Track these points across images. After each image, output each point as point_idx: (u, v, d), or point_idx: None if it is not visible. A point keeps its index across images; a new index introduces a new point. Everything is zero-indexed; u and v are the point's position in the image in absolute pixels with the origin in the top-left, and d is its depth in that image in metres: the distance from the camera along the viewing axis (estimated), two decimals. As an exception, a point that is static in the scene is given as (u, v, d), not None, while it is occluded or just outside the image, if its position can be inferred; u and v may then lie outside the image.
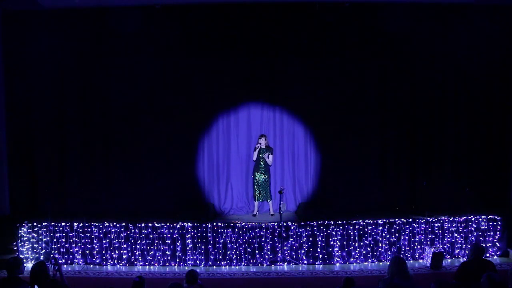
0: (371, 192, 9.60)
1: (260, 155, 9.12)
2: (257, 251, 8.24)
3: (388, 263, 5.67)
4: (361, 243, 8.29)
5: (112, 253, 8.29)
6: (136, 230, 8.27)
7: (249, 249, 8.23)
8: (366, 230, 8.30)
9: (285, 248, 8.22)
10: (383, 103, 9.64)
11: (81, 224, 8.34)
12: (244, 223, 8.36)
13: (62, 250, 8.33)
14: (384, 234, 8.32)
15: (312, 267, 8.19)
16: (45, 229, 8.33)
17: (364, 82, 9.59)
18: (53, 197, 9.31)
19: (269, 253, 8.24)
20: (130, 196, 9.45)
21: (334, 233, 8.27)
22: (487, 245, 8.36)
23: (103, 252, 8.31)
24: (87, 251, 8.32)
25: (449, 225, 8.40)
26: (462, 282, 5.33)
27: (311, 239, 8.26)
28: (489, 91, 9.46)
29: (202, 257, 8.24)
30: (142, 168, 9.54)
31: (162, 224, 8.29)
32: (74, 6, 8.86)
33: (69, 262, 8.31)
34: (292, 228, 8.27)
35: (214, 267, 8.22)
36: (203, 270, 8.02)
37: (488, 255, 8.29)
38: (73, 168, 9.47)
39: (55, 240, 8.32)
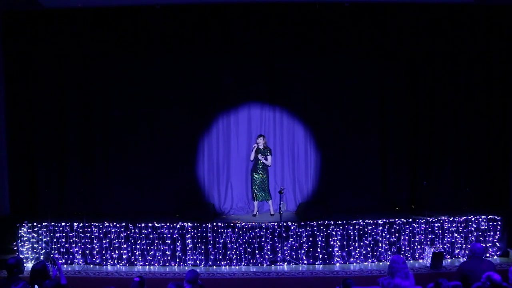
0: (371, 192, 9.61)
1: (261, 155, 9.10)
2: (257, 251, 8.23)
3: (388, 263, 5.67)
4: (361, 243, 8.29)
5: (112, 253, 8.29)
6: (136, 230, 8.27)
7: (249, 249, 8.23)
8: (366, 230, 8.30)
9: (285, 248, 8.21)
10: (383, 103, 9.66)
11: (81, 224, 8.34)
12: (244, 223, 8.35)
13: (62, 250, 8.33)
14: (384, 234, 8.32)
15: (312, 267, 8.19)
16: (45, 229, 8.33)
17: (364, 82, 9.60)
18: (53, 197, 9.35)
19: (269, 253, 8.24)
20: (130, 196, 9.47)
21: (334, 233, 8.27)
22: (487, 245, 8.36)
23: (103, 252, 8.31)
24: (87, 251, 8.32)
25: (449, 225, 8.40)
26: (462, 282, 5.33)
27: (311, 239, 8.26)
28: (489, 91, 9.46)
29: (202, 257, 8.24)
30: (142, 168, 9.55)
31: (162, 224, 8.29)
32: (74, 6, 8.86)
33: (69, 262, 8.30)
34: (292, 228, 8.27)
35: (214, 267, 8.21)
36: (203, 270, 8.01)
37: (488, 255, 8.29)
38: (73, 168, 9.48)
39: (55, 240, 8.32)
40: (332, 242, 8.25)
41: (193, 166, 9.75)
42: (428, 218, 8.46)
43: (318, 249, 8.25)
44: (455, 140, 9.57)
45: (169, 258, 8.26)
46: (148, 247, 8.26)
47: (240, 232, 8.24)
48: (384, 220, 8.37)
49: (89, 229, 8.32)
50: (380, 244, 8.31)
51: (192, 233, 8.25)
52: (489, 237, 8.41)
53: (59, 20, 9.01)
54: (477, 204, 9.26)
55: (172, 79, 9.54)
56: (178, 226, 8.28)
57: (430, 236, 8.36)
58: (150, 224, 8.28)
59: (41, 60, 9.32)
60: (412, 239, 8.35)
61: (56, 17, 9.00)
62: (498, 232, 8.43)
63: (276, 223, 8.30)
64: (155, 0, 8.81)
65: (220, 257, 8.23)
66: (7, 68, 9.21)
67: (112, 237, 8.29)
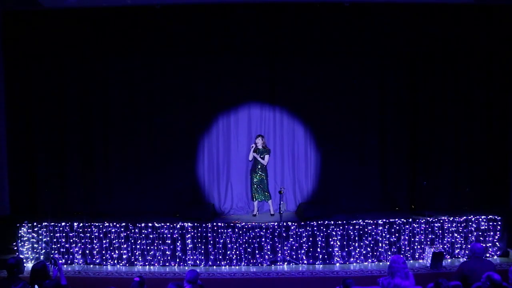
0: (371, 192, 9.62)
1: (256, 154, 9.09)
2: (257, 251, 8.23)
3: (388, 263, 5.67)
4: (361, 243, 8.29)
5: (112, 253, 8.29)
6: (136, 230, 8.27)
7: (249, 249, 8.23)
8: (366, 230, 8.30)
9: (285, 248, 8.21)
10: (382, 103, 9.66)
11: (81, 224, 8.34)
12: (244, 223, 8.35)
13: (62, 250, 8.33)
14: (384, 234, 8.32)
15: (312, 267, 8.19)
16: (45, 229, 8.33)
17: (364, 82, 9.60)
18: (53, 197, 9.35)
19: (269, 253, 8.24)
20: (130, 196, 9.48)
21: (334, 233, 8.27)
22: (487, 245, 8.36)
23: (103, 252, 8.30)
24: (87, 251, 8.31)
25: (449, 225, 8.40)
26: (462, 282, 5.33)
27: (311, 239, 8.26)
28: (489, 91, 9.46)
29: (202, 257, 8.24)
30: (142, 168, 9.57)
31: (162, 224, 8.29)
32: (74, 6, 8.87)
33: (69, 262, 8.30)
34: (292, 228, 8.27)
35: (214, 267, 8.21)
36: (203, 270, 8.01)
37: (488, 255, 8.29)
38: (73, 168, 9.48)
39: (55, 240, 8.32)
40: (332, 242, 8.25)
41: (193, 166, 9.75)
42: (428, 218, 8.46)
43: (318, 249, 8.25)
44: (455, 140, 9.57)
45: (169, 258, 8.26)
46: (148, 247, 8.26)
47: (240, 232, 8.24)
48: (384, 220, 8.37)
49: (89, 229, 8.32)
50: (380, 244, 8.31)
51: (192, 233, 8.25)
52: (489, 237, 8.41)
53: (59, 20, 9.02)
54: (477, 204, 9.27)
55: (172, 79, 9.53)
56: (178, 226, 8.28)
57: (430, 236, 8.36)
58: (150, 224, 8.28)
59: (41, 60, 9.32)
60: (412, 239, 8.35)
61: (56, 17, 9.01)
62: (498, 232, 8.43)
63: (276, 223, 8.30)
64: (155, 0, 8.82)
65: (220, 257, 8.23)
66: (7, 68, 9.20)
67: (112, 237, 8.29)
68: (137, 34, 9.10)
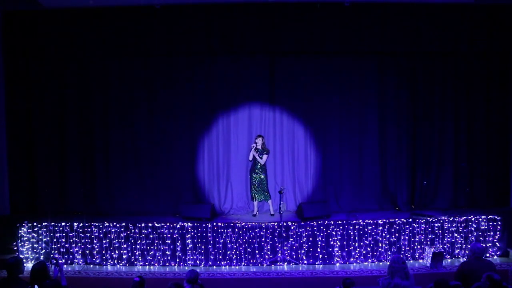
0: (371, 192, 9.61)
1: (255, 153, 9.09)
2: (257, 251, 8.23)
3: (388, 263, 5.67)
4: (361, 243, 8.29)
5: (112, 253, 8.29)
6: (136, 230, 8.27)
7: (249, 249, 8.23)
8: (366, 230, 8.30)
9: (285, 248, 8.22)
10: (382, 103, 9.65)
11: (81, 224, 8.34)
12: (244, 223, 8.35)
13: (62, 250, 8.33)
14: (384, 234, 8.32)
15: (312, 267, 8.19)
16: (45, 229, 8.33)
17: (364, 81, 9.60)
18: (53, 197, 9.35)
19: (269, 253, 8.24)
20: (130, 196, 9.48)
21: (334, 233, 8.27)
22: (487, 245, 8.36)
23: (103, 252, 8.31)
24: (87, 251, 8.32)
25: (449, 225, 8.40)
26: (462, 282, 5.34)
27: (311, 239, 8.26)
28: (489, 91, 9.47)
29: (202, 257, 8.24)
30: (142, 168, 9.57)
31: (162, 224, 8.29)
32: (74, 6, 8.87)
33: (69, 262, 8.31)
34: (292, 228, 8.27)
35: (214, 267, 8.22)
36: (203, 270, 8.02)
37: (488, 255, 8.30)
38: (73, 168, 9.49)
39: (55, 240, 8.32)
40: (332, 242, 8.26)
41: (193, 166, 9.74)
42: (428, 218, 8.46)
43: (318, 249, 8.25)
44: (455, 140, 9.57)
45: (169, 258, 8.26)
46: (148, 247, 8.26)
47: (240, 232, 8.25)
48: (384, 220, 8.37)
49: (89, 229, 8.32)
50: (380, 244, 8.31)
51: (192, 233, 8.25)
52: (489, 237, 8.41)
53: (59, 20, 9.02)
54: (477, 204, 9.27)
55: (172, 79, 9.54)
56: (178, 226, 8.28)
57: (430, 236, 8.36)
58: (150, 224, 8.29)
59: (41, 60, 9.32)
60: (412, 239, 8.35)
61: (56, 17, 9.01)
62: (498, 232, 8.43)
63: (276, 223, 8.30)
64: (155, 0, 8.82)
65: (220, 257, 8.23)
66: (7, 67, 9.22)
67: (112, 237, 8.29)
68: (137, 34, 9.09)
